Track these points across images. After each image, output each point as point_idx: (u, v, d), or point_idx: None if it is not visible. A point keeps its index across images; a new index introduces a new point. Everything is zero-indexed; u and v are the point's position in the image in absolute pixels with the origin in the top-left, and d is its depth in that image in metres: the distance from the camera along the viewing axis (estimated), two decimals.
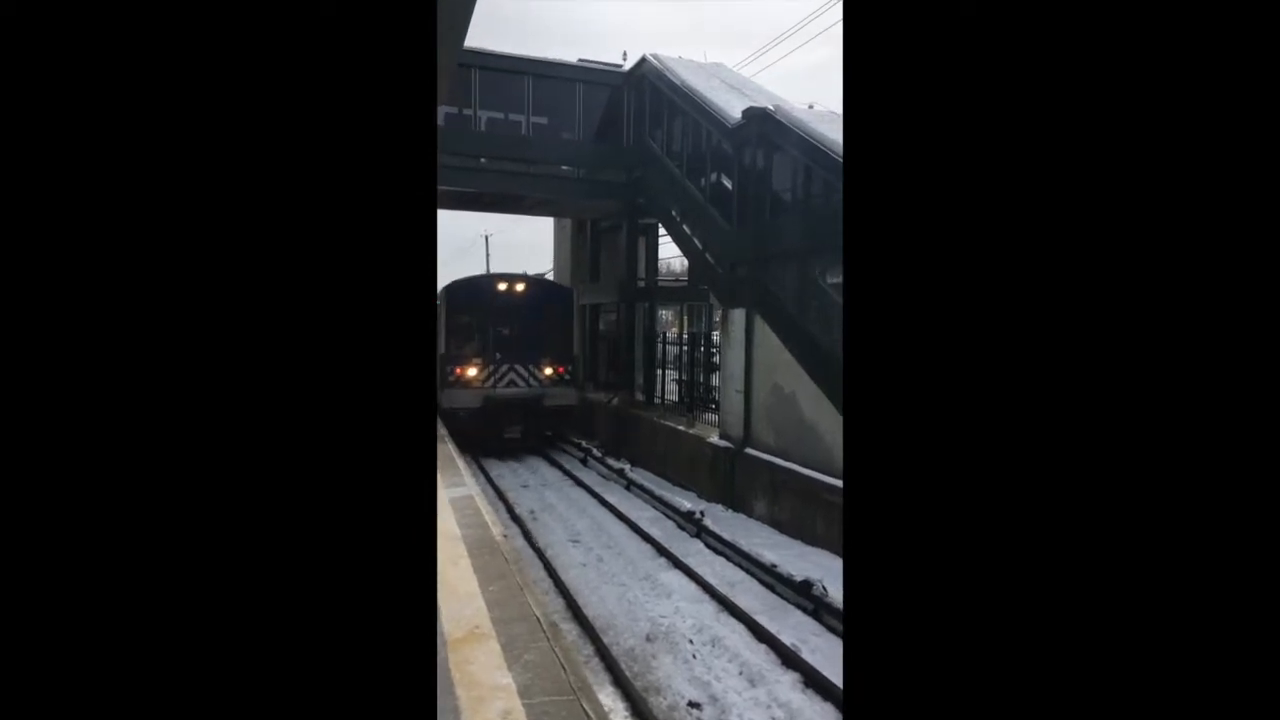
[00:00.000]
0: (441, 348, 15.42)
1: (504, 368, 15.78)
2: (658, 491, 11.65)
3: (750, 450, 11.23)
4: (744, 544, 8.93)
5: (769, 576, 8.09)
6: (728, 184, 12.73)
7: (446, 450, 10.43)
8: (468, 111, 15.72)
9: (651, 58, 16.29)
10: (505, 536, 6.44)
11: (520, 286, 16.58)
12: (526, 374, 15.84)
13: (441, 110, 13.71)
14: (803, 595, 7.42)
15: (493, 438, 15.42)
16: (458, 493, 7.90)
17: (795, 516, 9.99)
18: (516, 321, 16.05)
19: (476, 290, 16.45)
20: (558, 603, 7.63)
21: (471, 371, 15.57)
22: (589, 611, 7.26)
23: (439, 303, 15.33)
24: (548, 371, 16.04)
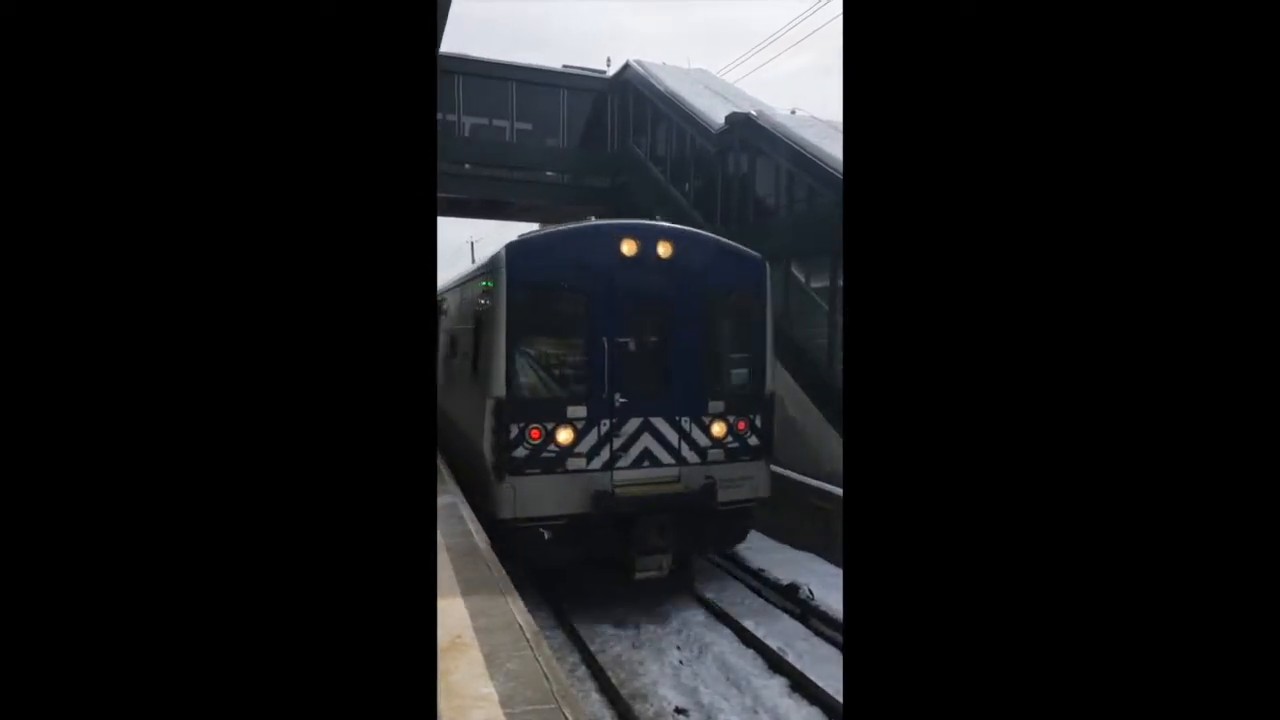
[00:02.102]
0: (494, 386, 6.82)
1: (633, 425, 7.07)
2: None
3: None
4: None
5: (755, 581, 8.08)
6: (711, 188, 12.76)
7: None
8: (451, 117, 15.69)
9: (635, 64, 16.34)
10: (490, 544, 6.39)
11: (665, 249, 7.22)
12: (678, 437, 7.20)
13: None
14: (789, 599, 7.41)
15: (605, 574, 7.25)
16: (443, 500, 7.84)
17: (781, 520, 9.99)
18: (655, 324, 7.28)
19: (575, 256, 7.12)
20: (544, 610, 7.58)
21: (564, 435, 6.90)
22: (574, 619, 7.21)
23: (495, 280, 7.07)
24: (717, 430, 7.31)
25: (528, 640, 4.37)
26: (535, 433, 6.89)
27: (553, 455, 6.91)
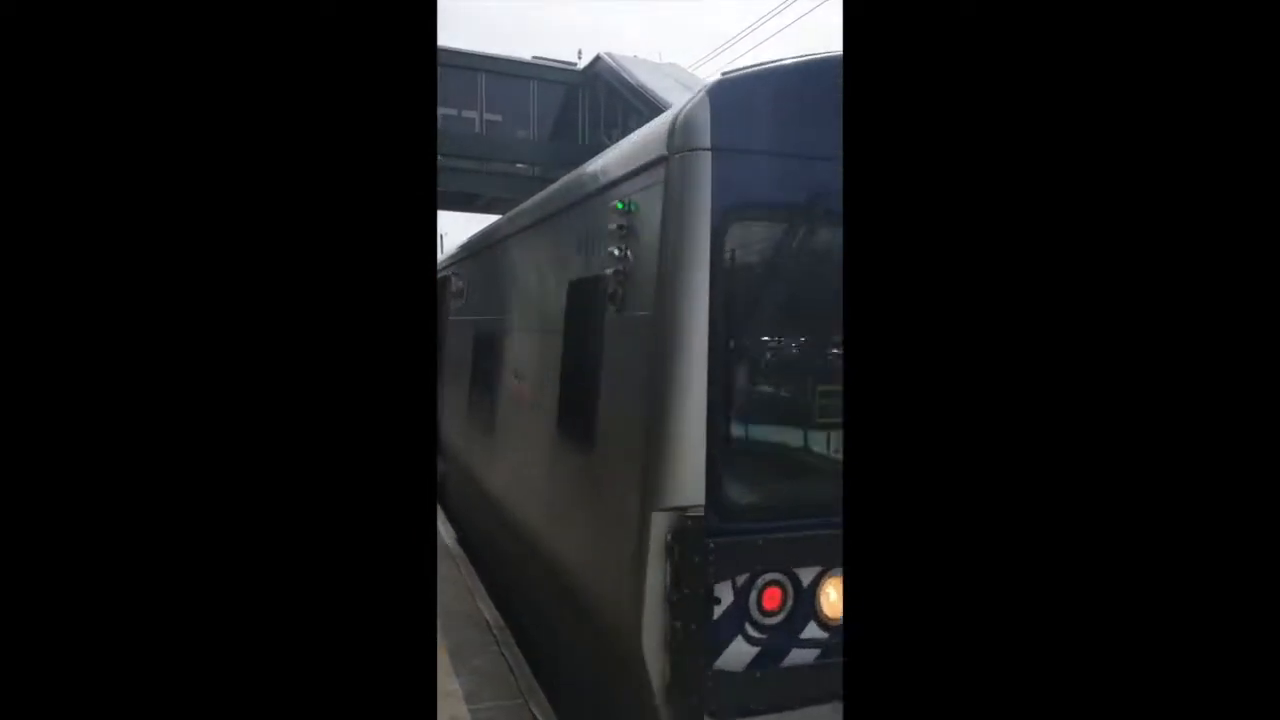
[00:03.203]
0: (669, 479, 2.37)
1: None
2: None
3: None
4: None
5: None
6: None
7: None
8: None
9: (606, 56, 16.29)
10: (457, 541, 6.34)
11: None
12: None
13: None
14: None
15: None
16: None
17: None
18: None
19: None
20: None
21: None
22: None
23: (670, 194, 2.40)
24: None
25: (494, 636, 4.36)
26: (773, 595, 2.58)
27: (816, 654, 2.63)
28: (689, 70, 17.97)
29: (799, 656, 2.53)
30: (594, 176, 3.33)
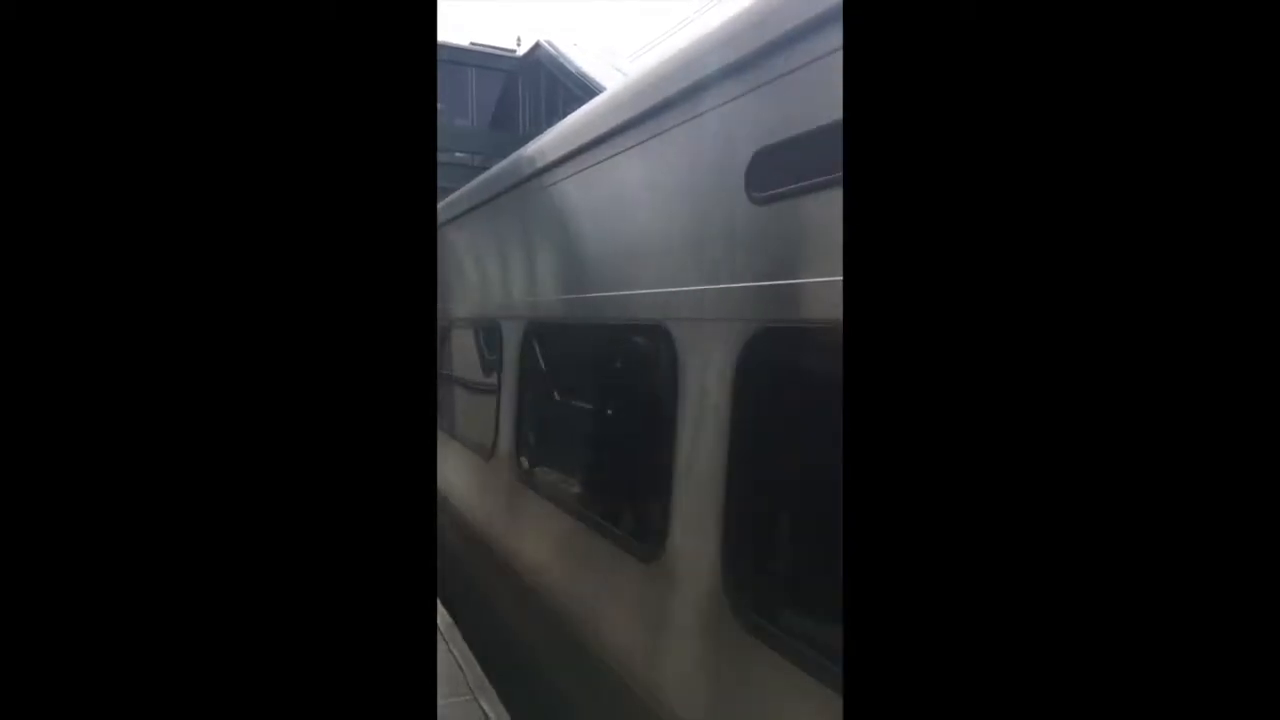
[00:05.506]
0: None
1: None
2: None
3: None
4: None
5: None
6: None
7: None
8: None
9: (546, 44, 16.11)
10: None
11: None
12: None
13: None
14: None
15: None
16: None
17: None
18: None
19: None
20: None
21: None
22: None
23: None
24: None
25: (441, 633, 4.31)
26: None
27: None
28: (628, 58, 17.94)
29: None
30: None
